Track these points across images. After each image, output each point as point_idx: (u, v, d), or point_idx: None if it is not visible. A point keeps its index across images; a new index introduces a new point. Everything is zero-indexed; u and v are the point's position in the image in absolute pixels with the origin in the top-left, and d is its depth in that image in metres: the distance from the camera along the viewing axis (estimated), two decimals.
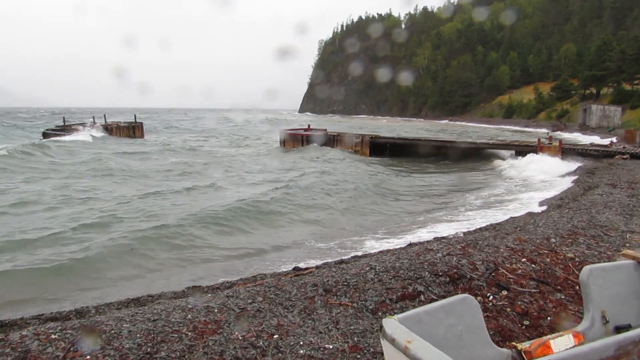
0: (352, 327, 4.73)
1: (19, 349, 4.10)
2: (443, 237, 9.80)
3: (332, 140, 36.15)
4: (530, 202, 15.21)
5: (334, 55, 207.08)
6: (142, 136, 53.50)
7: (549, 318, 4.93)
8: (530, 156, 26.61)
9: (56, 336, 4.36)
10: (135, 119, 57.32)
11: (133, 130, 54.21)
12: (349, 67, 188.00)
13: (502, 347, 2.97)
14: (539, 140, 29.08)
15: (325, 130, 39.88)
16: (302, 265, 8.74)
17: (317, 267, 7.73)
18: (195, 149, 37.74)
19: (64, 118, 58.03)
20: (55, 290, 8.45)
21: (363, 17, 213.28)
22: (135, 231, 12.03)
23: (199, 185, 19.36)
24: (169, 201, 16.26)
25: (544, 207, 13.37)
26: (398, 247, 9.48)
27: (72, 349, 4.11)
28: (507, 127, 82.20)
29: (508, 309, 5.06)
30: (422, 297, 5.36)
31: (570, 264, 6.41)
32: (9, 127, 63.15)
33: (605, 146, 29.52)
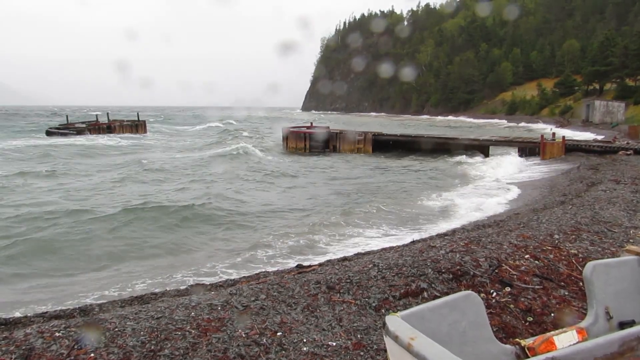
0: (355, 324, 4.73)
1: (23, 347, 4.11)
2: (446, 234, 9.79)
3: (335, 138, 36.10)
4: None
5: (337, 53, 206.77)
6: (145, 132, 54.11)
7: (552, 314, 4.92)
8: None
9: (60, 334, 4.37)
10: (138, 116, 57.81)
11: (136, 127, 54.67)
12: (352, 65, 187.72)
13: (505, 344, 2.96)
14: (542, 136, 28.99)
15: (328, 127, 39.85)
16: (305, 262, 8.75)
17: (320, 265, 7.73)
18: None
19: (67, 117, 58.25)
20: (59, 287, 8.48)
21: (365, 15, 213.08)
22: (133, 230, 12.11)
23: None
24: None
25: None
26: (401, 244, 9.48)
27: (76, 347, 4.12)
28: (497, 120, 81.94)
29: (511, 306, 5.05)
30: (425, 294, 5.36)
31: (573, 260, 6.40)
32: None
33: (609, 142, 29.43)
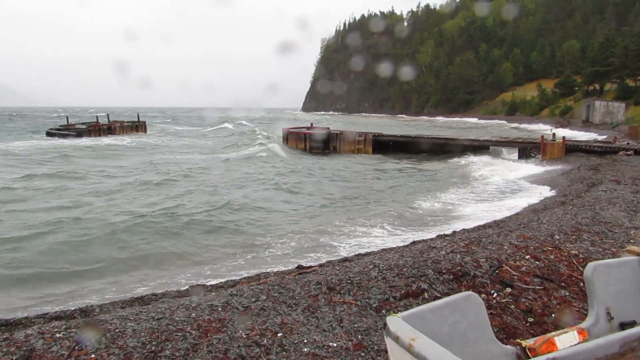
0: (355, 325, 4.73)
1: (24, 348, 4.11)
2: (446, 235, 9.79)
3: (335, 139, 36.09)
4: None
5: (337, 54, 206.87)
6: (145, 132, 54.34)
7: (553, 315, 4.92)
8: None
9: (61, 335, 4.37)
10: (138, 118, 58.00)
11: (136, 128, 54.78)
12: (352, 65, 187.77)
13: (506, 344, 2.96)
14: (542, 137, 28.98)
15: (328, 128, 39.82)
16: (305, 263, 8.74)
17: (320, 266, 7.73)
18: None
19: (67, 118, 58.32)
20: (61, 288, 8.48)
21: (365, 15, 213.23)
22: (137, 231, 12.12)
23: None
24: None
25: None
26: (401, 245, 9.48)
27: (76, 348, 4.12)
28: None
29: (512, 306, 5.05)
30: (425, 294, 5.36)
31: (574, 261, 6.39)
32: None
33: (609, 142, 29.43)
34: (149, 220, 13.22)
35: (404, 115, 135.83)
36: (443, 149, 32.91)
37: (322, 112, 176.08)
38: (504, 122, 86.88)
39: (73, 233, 12.07)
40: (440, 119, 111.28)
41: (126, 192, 18.21)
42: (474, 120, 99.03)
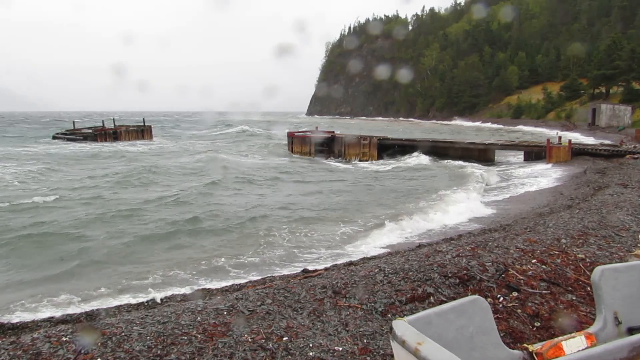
0: (361, 329, 4.72)
1: (31, 352, 4.13)
2: (452, 239, 9.76)
3: (340, 143, 36.08)
4: None
5: (341, 57, 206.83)
6: (150, 138, 54.14)
7: (560, 319, 4.89)
8: None
9: (67, 339, 4.38)
10: (144, 122, 58.04)
11: (142, 133, 54.72)
12: (356, 69, 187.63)
13: (513, 349, 2.94)
14: (548, 140, 28.88)
15: (333, 132, 39.85)
16: (310, 267, 8.74)
17: (326, 269, 7.72)
18: None
19: (73, 122, 58.65)
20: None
21: (370, 19, 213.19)
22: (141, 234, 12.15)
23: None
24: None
25: None
26: (407, 249, 9.45)
27: (82, 351, 4.13)
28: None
29: (519, 310, 5.02)
30: (431, 298, 5.34)
31: (581, 265, 6.35)
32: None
33: (616, 146, 29.31)
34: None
35: (415, 119, 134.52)
36: (447, 152, 32.87)
37: (328, 116, 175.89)
38: (529, 127, 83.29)
39: (75, 238, 12.12)
40: (468, 123, 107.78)
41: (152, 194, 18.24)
42: (493, 125, 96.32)
